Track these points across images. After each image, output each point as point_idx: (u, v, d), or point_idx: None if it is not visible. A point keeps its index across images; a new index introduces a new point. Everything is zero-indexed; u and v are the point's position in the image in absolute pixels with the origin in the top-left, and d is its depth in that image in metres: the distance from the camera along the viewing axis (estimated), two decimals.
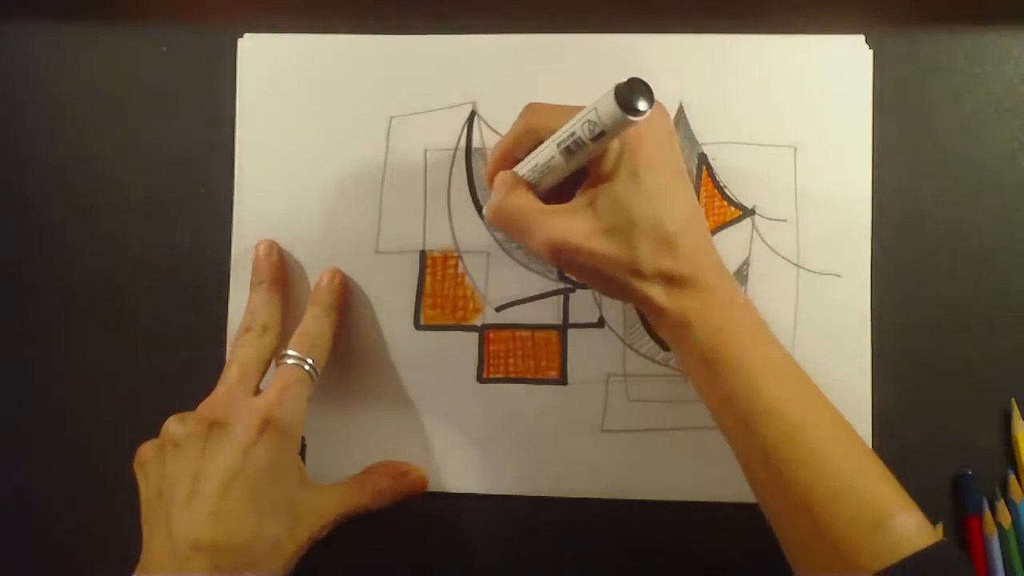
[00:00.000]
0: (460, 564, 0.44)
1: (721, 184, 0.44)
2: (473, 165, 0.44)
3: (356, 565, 0.44)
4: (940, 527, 0.43)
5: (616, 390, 0.44)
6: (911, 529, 0.33)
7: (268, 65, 0.45)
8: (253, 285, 0.43)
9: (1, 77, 0.46)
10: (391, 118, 0.44)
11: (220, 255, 0.45)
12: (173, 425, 0.38)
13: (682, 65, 0.44)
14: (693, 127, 0.44)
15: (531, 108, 0.39)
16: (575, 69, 0.44)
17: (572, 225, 0.36)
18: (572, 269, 0.39)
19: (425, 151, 0.44)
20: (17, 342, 0.46)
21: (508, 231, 0.40)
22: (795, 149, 0.44)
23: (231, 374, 0.40)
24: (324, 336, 0.42)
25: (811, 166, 0.44)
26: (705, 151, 0.44)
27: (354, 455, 0.44)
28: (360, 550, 0.44)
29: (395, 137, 0.44)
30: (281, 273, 0.43)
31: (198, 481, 0.36)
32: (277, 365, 0.40)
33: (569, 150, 0.35)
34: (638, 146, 0.36)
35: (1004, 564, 0.42)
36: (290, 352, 0.40)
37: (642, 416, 0.44)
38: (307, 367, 0.40)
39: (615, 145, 0.36)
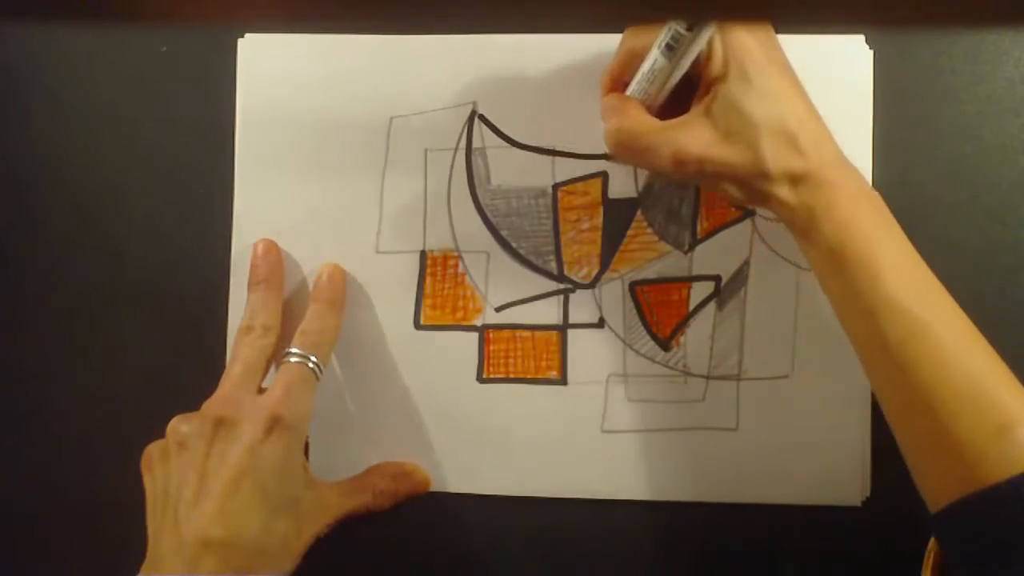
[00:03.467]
0: (460, 564, 0.44)
1: None
2: (473, 165, 0.44)
3: (356, 565, 0.44)
4: None
5: (616, 390, 0.44)
6: None
7: (268, 65, 0.45)
8: (251, 285, 0.43)
9: (1, 77, 0.46)
10: (391, 118, 0.44)
11: (220, 255, 0.45)
12: (178, 425, 0.39)
13: None
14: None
15: (630, 31, 0.39)
16: (575, 69, 0.44)
17: (692, 135, 0.36)
18: (700, 179, 0.38)
19: (425, 151, 0.44)
20: (15, 341, 0.46)
21: (629, 155, 0.39)
22: None
23: (234, 373, 0.40)
24: (326, 332, 0.42)
25: None
26: None
27: (354, 455, 0.44)
28: (360, 550, 0.44)
29: (395, 137, 0.44)
30: (279, 272, 0.43)
31: (205, 480, 0.37)
32: (280, 364, 0.40)
33: (669, 47, 0.35)
34: (743, 49, 0.36)
35: None
36: (293, 350, 0.40)
37: (642, 416, 0.44)
38: (311, 364, 0.40)
39: (720, 51, 0.36)
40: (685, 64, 0.36)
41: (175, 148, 0.45)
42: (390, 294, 0.44)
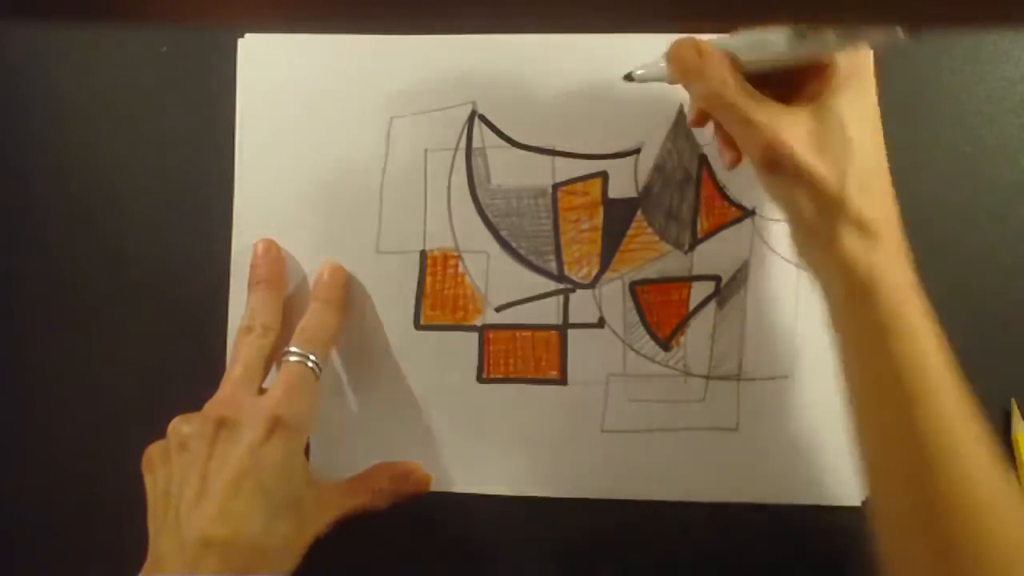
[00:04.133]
0: (460, 564, 0.44)
1: (721, 184, 0.44)
2: (473, 165, 0.44)
3: (356, 565, 0.44)
4: None
5: (616, 390, 0.44)
6: None
7: (268, 65, 0.45)
8: (251, 285, 0.43)
9: (1, 77, 0.46)
10: (391, 118, 0.44)
11: (220, 255, 0.45)
12: (179, 425, 0.39)
13: None
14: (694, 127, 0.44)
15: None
16: (575, 69, 0.44)
17: (794, 125, 0.33)
18: (775, 175, 0.34)
19: (425, 151, 0.44)
20: (15, 342, 0.46)
21: (722, 117, 0.35)
22: None
23: (235, 374, 0.40)
24: (326, 330, 0.42)
25: None
26: (705, 151, 0.44)
27: (354, 455, 0.44)
28: (361, 550, 0.43)
29: (395, 137, 0.44)
30: (279, 271, 0.43)
31: (207, 480, 0.37)
32: (281, 363, 0.40)
33: (803, 34, 0.33)
34: (867, 72, 0.34)
35: None
36: (293, 349, 0.40)
37: (642, 416, 0.44)
38: (310, 363, 0.40)
39: (844, 63, 0.34)
40: (803, 57, 0.34)
41: (175, 148, 0.45)
42: (390, 294, 0.44)
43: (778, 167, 0.33)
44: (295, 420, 0.38)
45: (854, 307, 0.33)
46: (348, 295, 0.44)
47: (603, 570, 0.44)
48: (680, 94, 0.44)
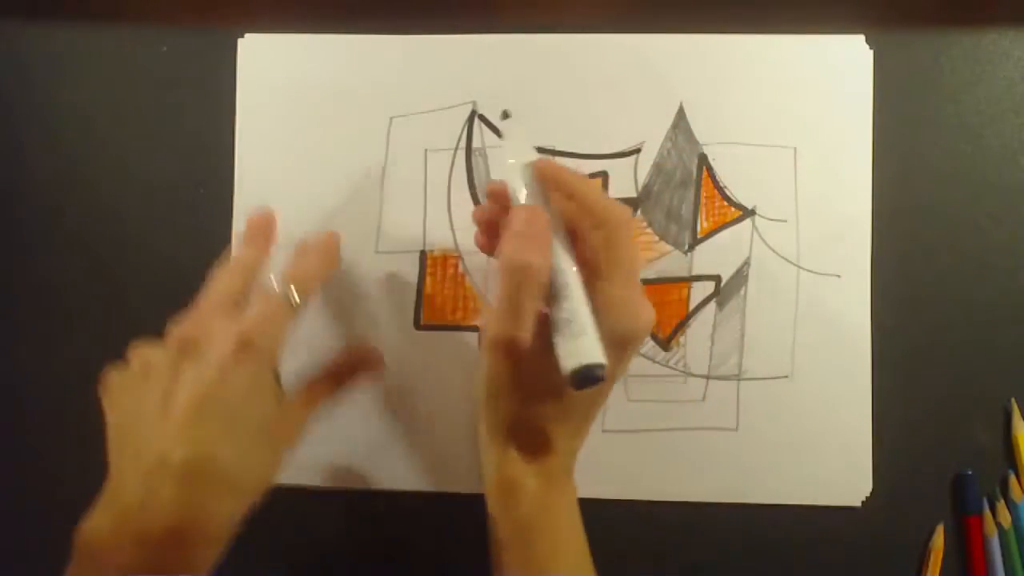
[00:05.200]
0: (460, 564, 0.44)
1: (721, 184, 0.44)
2: (473, 165, 0.44)
3: (357, 565, 0.44)
4: (940, 528, 0.43)
5: (616, 390, 0.44)
6: None
7: (268, 65, 0.45)
8: (243, 240, 0.41)
9: (1, 77, 0.46)
10: (391, 118, 0.44)
11: (220, 255, 0.44)
12: (141, 349, 0.37)
13: (682, 65, 0.44)
14: (693, 127, 0.44)
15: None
16: (575, 69, 0.44)
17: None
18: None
19: (425, 151, 0.44)
20: (15, 341, 0.46)
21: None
22: (795, 149, 0.44)
23: (207, 298, 0.37)
24: (311, 270, 0.39)
25: (811, 166, 0.44)
26: (705, 151, 0.44)
27: (354, 454, 0.44)
28: (361, 550, 0.44)
29: (395, 137, 0.44)
30: (270, 231, 0.41)
31: (169, 400, 0.34)
32: (258, 295, 0.38)
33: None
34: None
35: (1004, 564, 0.42)
36: (272, 278, 0.38)
37: (642, 416, 0.44)
38: (290, 296, 0.37)
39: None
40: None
41: (175, 148, 0.45)
42: (390, 294, 0.44)
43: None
44: (265, 344, 0.36)
45: (507, 504, 0.38)
46: (348, 296, 0.44)
47: (603, 570, 0.44)
48: (680, 94, 0.44)
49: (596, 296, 0.34)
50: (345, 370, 0.41)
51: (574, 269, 0.34)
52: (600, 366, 0.32)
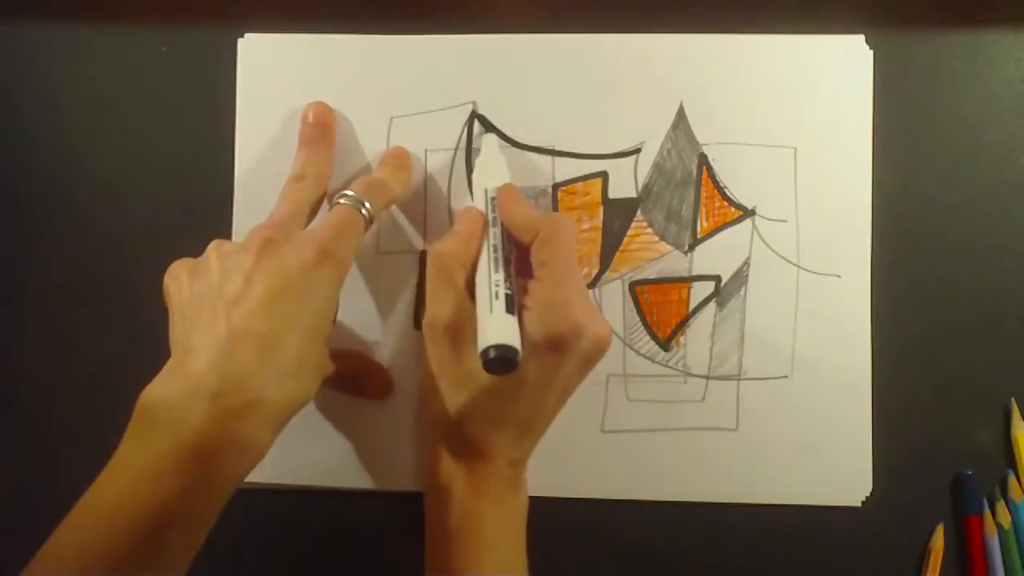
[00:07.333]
0: None
1: (721, 184, 0.44)
2: (473, 165, 0.44)
3: (357, 565, 0.44)
4: (940, 528, 0.43)
5: (616, 390, 0.44)
6: None
7: (268, 65, 0.45)
8: (301, 144, 0.42)
9: (1, 77, 0.46)
10: (391, 118, 0.44)
11: None
12: (220, 243, 0.37)
13: (682, 65, 0.44)
14: (693, 127, 0.44)
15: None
16: (575, 69, 0.44)
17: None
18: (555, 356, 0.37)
19: (425, 151, 0.44)
20: (15, 341, 0.46)
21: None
22: (795, 149, 0.44)
23: (281, 210, 0.38)
24: (387, 187, 0.40)
25: (811, 166, 0.44)
26: (705, 151, 0.44)
27: (354, 454, 0.44)
28: (361, 550, 0.44)
29: (395, 137, 0.44)
30: (331, 133, 0.43)
31: (251, 281, 0.34)
32: (332, 206, 0.39)
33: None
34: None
35: (1004, 564, 0.42)
36: (348, 192, 0.38)
37: (642, 416, 0.44)
38: (364, 211, 0.38)
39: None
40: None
41: (175, 148, 0.45)
42: (390, 294, 0.44)
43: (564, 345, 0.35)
44: (341, 255, 0.36)
45: (444, 501, 0.39)
46: (347, 296, 0.44)
47: (602, 570, 0.44)
48: (679, 94, 0.44)
49: (528, 297, 0.36)
50: (356, 377, 0.42)
51: (503, 267, 0.37)
52: (509, 348, 0.33)
